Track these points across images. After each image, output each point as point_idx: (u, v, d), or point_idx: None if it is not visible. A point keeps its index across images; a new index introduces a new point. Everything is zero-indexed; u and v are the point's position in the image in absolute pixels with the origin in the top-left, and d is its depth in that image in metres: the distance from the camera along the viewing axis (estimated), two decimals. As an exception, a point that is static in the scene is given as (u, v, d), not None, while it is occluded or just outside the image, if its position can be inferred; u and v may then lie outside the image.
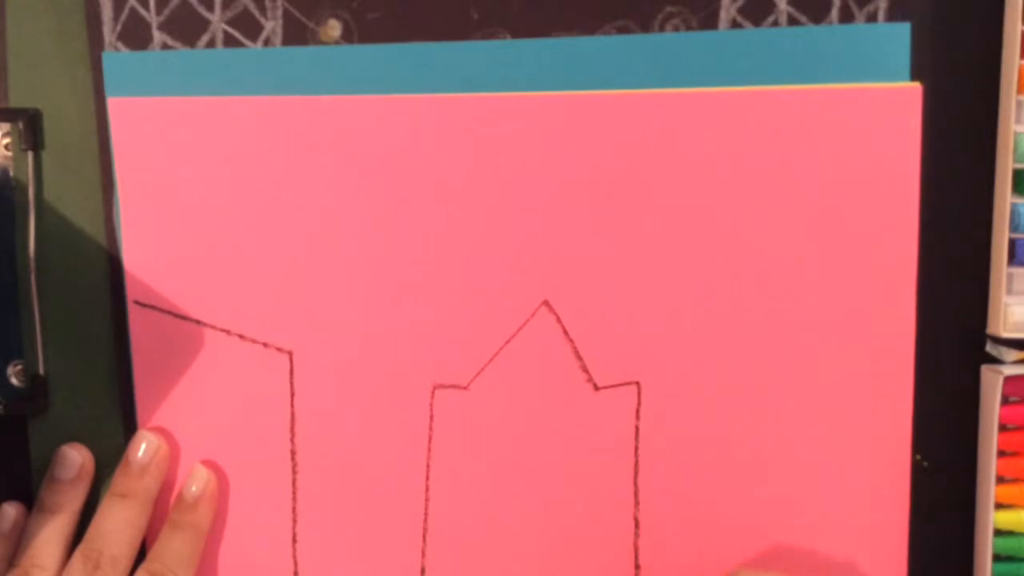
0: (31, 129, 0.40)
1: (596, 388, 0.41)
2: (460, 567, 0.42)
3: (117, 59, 0.40)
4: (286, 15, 0.40)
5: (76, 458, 0.41)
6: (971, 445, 0.40)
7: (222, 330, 0.41)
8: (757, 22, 0.39)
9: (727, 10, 0.39)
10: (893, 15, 0.38)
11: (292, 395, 0.41)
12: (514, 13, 0.39)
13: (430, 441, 0.41)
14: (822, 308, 0.40)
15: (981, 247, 0.39)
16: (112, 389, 0.41)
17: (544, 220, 0.40)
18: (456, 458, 0.41)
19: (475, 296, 0.40)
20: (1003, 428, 0.39)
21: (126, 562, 0.40)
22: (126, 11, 0.40)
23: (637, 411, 0.41)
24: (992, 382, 0.39)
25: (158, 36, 0.40)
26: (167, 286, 0.41)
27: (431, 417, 0.41)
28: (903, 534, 0.40)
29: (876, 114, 0.38)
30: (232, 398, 0.41)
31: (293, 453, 0.41)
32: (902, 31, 0.38)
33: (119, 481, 0.41)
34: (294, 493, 0.41)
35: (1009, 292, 0.39)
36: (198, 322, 0.41)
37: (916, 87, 0.38)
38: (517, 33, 0.39)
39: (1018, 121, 0.38)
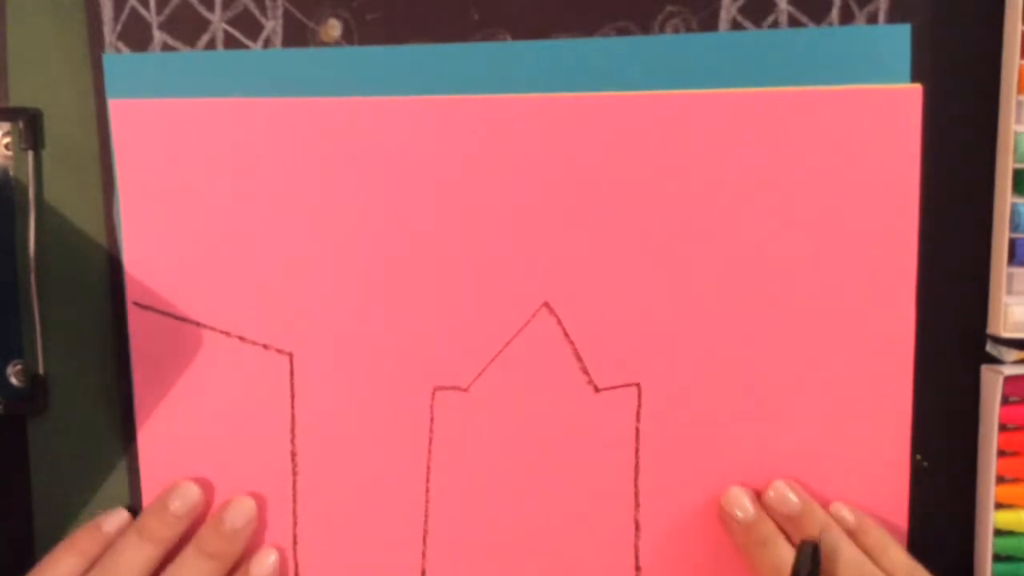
0: (31, 129, 0.40)
1: (596, 390, 0.40)
2: (460, 569, 0.41)
3: (118, 60, 0.40)
4: (286, 15, 0.40)
5: (195, 496, 0.40)
6: (971, 445, 0.40)
7: (222, 332, 0.41)
8: (757, 22, 0.39)
9: (727, 10, 0.39)
10: (893, 16, 0.39)
11: (292, 397, 0.41)
12: (514, 14, 0.39)
13: (430, 443, 0.41)
14: (822, 308, 0.40)
15: (981, 247, 0.39)
16: (112, 389, 0.41)
17: (545, 222, 0.40)
18: (456, 460, 0.41)
19: (476, 298, 0.40)
20: (1003, 428, 0.39)
21: None
22: (126, 11, 0.40)
23: (637, 413, 0.40)
24: (992, 382, 0.39)
25: (158, 36, 0.40)
26: (167, 287, 0.41)
27: (431, 419, 0.41)
28: (903, 534, 0.40)
29: (877, 115, 0.39)
30: (232, 400, 0.41)
31: (293, 455, 0.41)
32: (902, 32, 0.38)
33: (212, 540, 0.39)
34: (294, 495, 0.41)
35: (1009, 292, 0.39)
36: (198, 323, 0.41)
37: (916, 88, 0.39)
38: (517, 34, 0.39)
39: (1018, 121, 0.38)
